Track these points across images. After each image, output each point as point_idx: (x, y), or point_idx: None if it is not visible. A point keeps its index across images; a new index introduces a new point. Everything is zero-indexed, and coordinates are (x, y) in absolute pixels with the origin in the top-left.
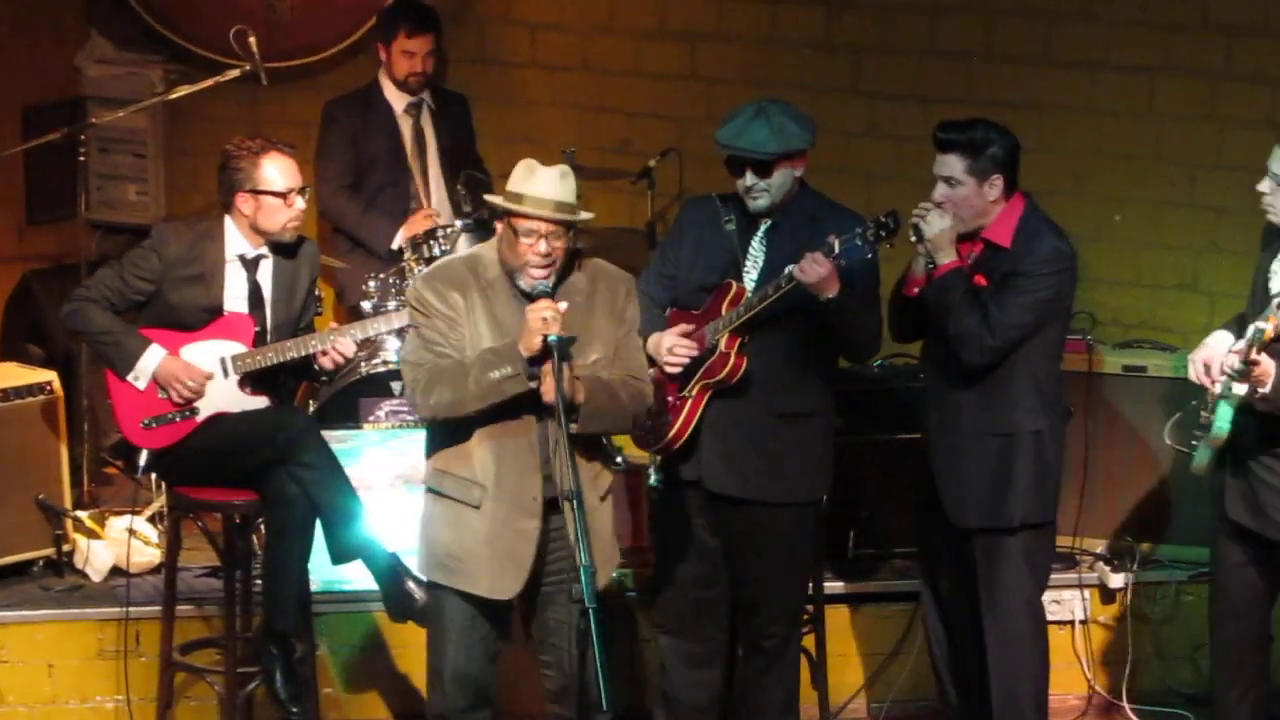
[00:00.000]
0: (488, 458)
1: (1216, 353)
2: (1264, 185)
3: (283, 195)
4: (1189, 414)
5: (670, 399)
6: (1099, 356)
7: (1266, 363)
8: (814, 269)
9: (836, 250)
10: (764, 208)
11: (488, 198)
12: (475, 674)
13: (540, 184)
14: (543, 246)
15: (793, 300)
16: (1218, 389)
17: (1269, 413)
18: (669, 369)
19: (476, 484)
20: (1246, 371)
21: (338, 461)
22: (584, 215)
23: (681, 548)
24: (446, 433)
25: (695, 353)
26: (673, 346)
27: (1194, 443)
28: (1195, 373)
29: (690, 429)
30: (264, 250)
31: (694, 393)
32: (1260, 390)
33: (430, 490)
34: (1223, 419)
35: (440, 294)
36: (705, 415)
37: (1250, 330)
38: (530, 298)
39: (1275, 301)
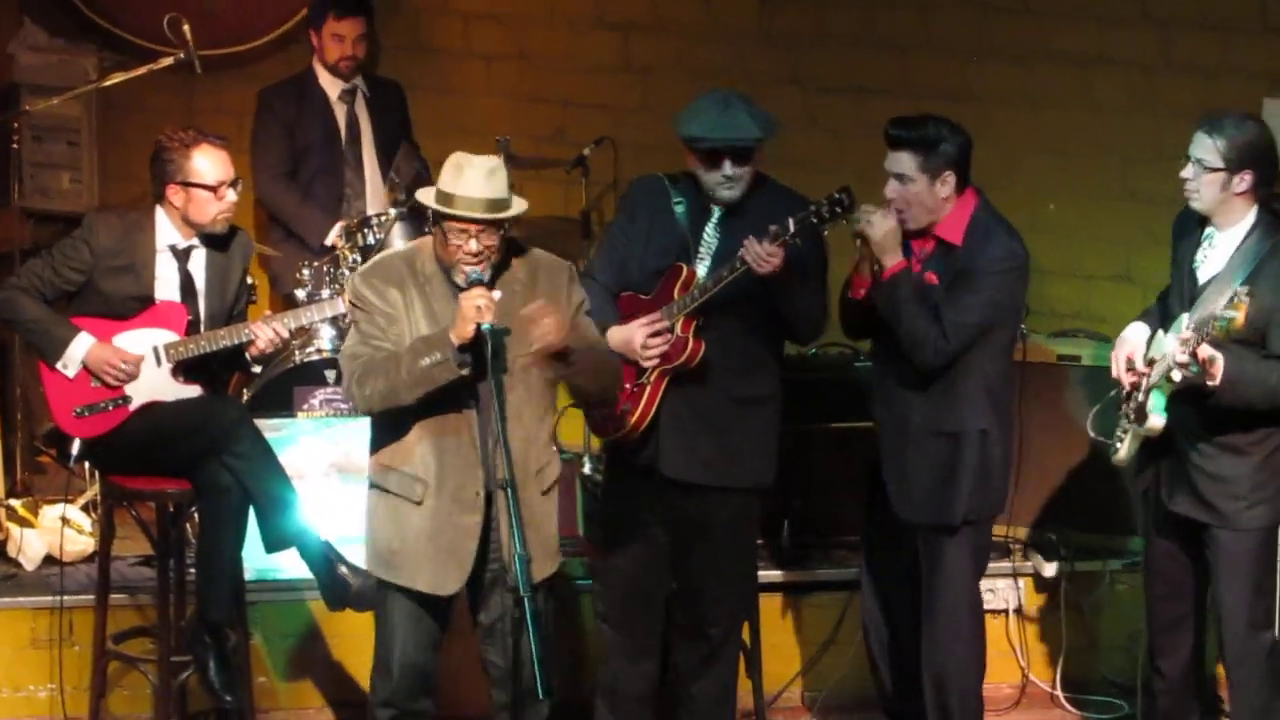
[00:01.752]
0: (429, 454)
1: (1137, 346)
2: (1187, 171)
3: (213, 188)
4: (1108, 404)
5: (627, 385)
6: (1033, 346)
7: (1215, 354)
8: (765, 260)
9: (792, 229)
10: (736, 198)
11: (419, 194)
12: (420, 664)
13: (469, 183)
14: (473, 245)
15: (746, 283)
16: (1152, 378)
17: (1217, 404)
18: (646, 364)
19: (419, 480)
20: (1197, 365)
21: (271, 450)
22: (515, 210)
23: (626, 538)
24: (388, 428)
25: (668, 343)
26: (646, 342)
27: (1121, 434)
28: (1118, 368)
29: (650, 415)
30: (195, 241)
31: (652, 379)
32: (1210, 383)
33: (373, 485)
34: (1158, 409)
35: (378, 290)
36: (663, 402)
37: (1208, 320)
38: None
39: (1241, 289)
